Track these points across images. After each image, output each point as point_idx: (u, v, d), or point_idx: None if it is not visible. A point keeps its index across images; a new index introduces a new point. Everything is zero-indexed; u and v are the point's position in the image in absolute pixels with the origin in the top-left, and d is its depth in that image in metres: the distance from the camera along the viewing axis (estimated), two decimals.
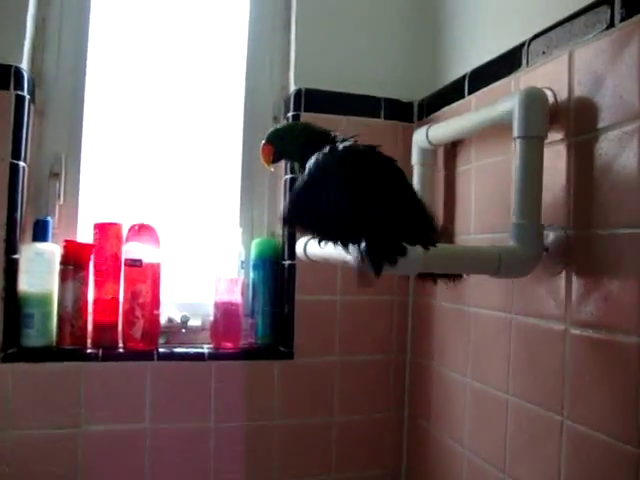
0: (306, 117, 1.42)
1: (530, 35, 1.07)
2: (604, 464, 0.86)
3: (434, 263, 0.92)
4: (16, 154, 1.28)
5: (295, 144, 1.01)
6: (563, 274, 0.95)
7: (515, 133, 0.97)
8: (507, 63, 1.14)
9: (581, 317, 0.91)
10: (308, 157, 0.95)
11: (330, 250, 0.98)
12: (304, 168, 0.96)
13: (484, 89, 1.21)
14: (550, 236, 0.97)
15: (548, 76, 1.02)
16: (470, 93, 1.26)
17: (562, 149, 0.98)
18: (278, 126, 1.03)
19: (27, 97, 1.30)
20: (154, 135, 1.51)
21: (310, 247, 1.11)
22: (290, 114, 1.45)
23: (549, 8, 1.05)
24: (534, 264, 0.95)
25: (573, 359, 0.93)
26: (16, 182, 1.28)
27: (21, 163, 1.29)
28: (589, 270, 0.91)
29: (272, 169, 1.08)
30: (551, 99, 0.99)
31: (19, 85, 1.28)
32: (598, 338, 0.87)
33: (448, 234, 1.31)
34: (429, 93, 1.45)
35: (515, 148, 0.98)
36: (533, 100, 0.97)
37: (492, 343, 1.15)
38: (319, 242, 0.99)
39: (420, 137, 1.30)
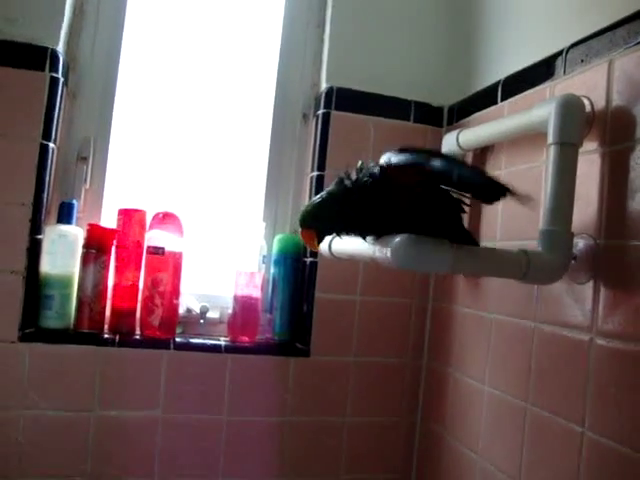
0: (336, 115, 1.43)
1: (568, 43, 1.06)
2: (626, 478, 0.84)
3: (462, 263, 0.91)
4: (47, 135, 1.29)
5: (331, 221, 0.95)
6: (591, 283, 0.94)
7: (550, 139, 0.96)
8: (543, 70, 1.13)
9: (608, 328, 0.90)
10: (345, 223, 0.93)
11: (357, 246, 0.98)
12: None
13: (518, 96, 1.20)
14: (579, 244, 0.96)
15: (585, 84, 1.01)
16: (503, 99, 1.25)
17: (596, 158, 0.97)
18: (308, 208, 0.95)
19: (61, 79, 1.31)
20: (183, 125, 1.51)
21: (336, 244, 1.11)
22: (320, 112, 1.45)
23: (588, 17, 1.04)
24: (562, 271, 0.94)
25: (598, 370, 0.91)
26: (45, 163, 1.29)
27: (51, 144, 1.30)
28: (618, 280, 0.89)
29: (319, 249, 1.04)
30: (588, 107, 0.98)
31: (54, 67, 1.29)
32: (625, 350, 0.86)
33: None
34: (460, 98, 1.44)
35: (549, 154, 0.97)
36: (570, 107, 0.96)
37: (513, 350, 1.14)
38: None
39: (450, 141, 1.30)
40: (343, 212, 0.92)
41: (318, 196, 0.95)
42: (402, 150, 0.92)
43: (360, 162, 0.96)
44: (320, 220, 0.94)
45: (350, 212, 0.91)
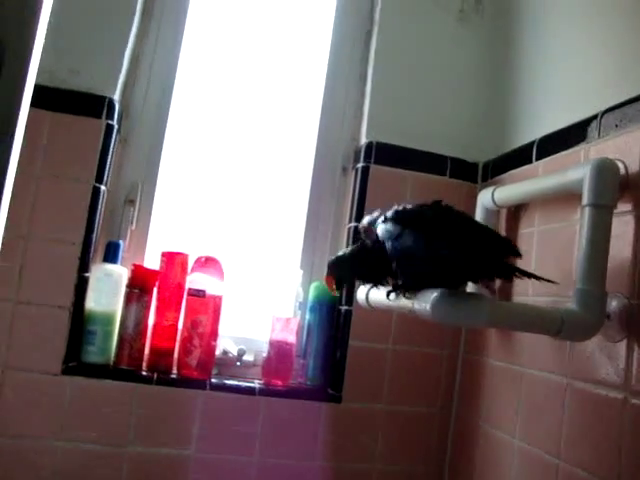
0: (375, 169, 1.48)
1: (603, 108, 1.10)
2: None
3: (498, 318, 0.94)
4: (99, 178, 1.36)
5: (347, 269, 1.15)
6: (624, 342, 0.96)
7: (585, 201, 1.00)
8: (578, 133, 1.17)
9: None
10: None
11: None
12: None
13: (553, 156, 1.24)
14: (613, 304, 0.98)
15: (619, 148, 1.04)
16: (538, 159, 1.29)
17: (630, 219, 0.99)
18: (332, 258, 1.17)
19: (115, 126, 1.39)
20: (228, 172, 1.58)
21: (373, 294, 1.15)
22: (360, 165, 1.50)
23: (623, 83, 1.08)
24: (596, 329, 0.96)
25: (632, 429, 0.92)
26: (95, 205, 1.36)
27: (102, 187, 1.37)
28: None
29: (338, 294, 1.29)
30: (622, 170, 1.02)
31: (110, 115, 1.37)
32: None
33: (506, 294, 1.33)
34: (495, 155, 1.49)
35: (583, 215, 1.00)
36: (605, 170, 0.99)
37: (545, 406, 1.15)
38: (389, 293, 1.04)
39: (486, 197, 1.34)
40: (356, 268, 1.14)
41: (342, 251, 1.20)
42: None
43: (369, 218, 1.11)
44: (339, 269, 1.15)
45: (363, 269, 1.12)
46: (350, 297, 1.43)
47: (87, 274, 1.36)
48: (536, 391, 1.19)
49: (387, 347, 1.46)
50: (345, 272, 1.15)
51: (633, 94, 1.03)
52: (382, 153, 1.49)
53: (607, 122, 1.09)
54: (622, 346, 0.96)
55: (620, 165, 1.02)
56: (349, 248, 1.20)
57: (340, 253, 1.17)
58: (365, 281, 1.18)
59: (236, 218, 1.57)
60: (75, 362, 1.34)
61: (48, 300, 1.31)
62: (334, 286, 1.16)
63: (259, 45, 1.62)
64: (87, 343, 1.35)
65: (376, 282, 1.14)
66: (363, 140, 1.54)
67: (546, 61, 1.38)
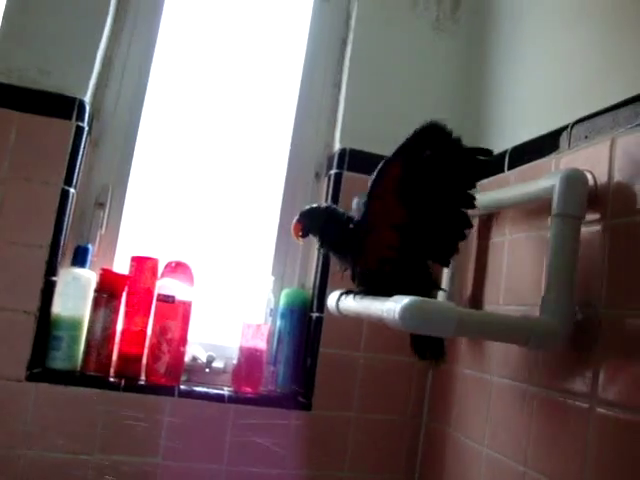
0: (348, 176, 1.48)
1: (573, 119, 1.11)
2: None
3: (466, 327, 0.94)
4: (68, 181, 1.34)
5: (317, 222, 1.15)
6: (593, 352, 0.96)
7: (554, 211, 1.00)
8: (549, 143, 1.17)
9: (608, 396, 0.92)
10: (327, 234, 1.14)
11: (365, 305, 1.01)
12: (323, 242, 1.15)
13: (524, 166, 1.25)
14: (582, 313, 0.99)
15: (589, 160, 1.05)
16: (510, 169, 1.30)
17: (598, 230, 1.00)
18: (307, 207, 1.17)
19: (86, 128, 1.37)
20: (199, 177, 1.57)
21: (343, 301, 1.14)
22: (332, 172, 1.50)
23: (593, 95, 1.09)
24: (564, 339, 0.97)
25: (597, 438, 0.93)
26: (64, 208, 1.34)
27: (71, 190, 1.35)
28: (619, 350, 0.92)
29: (301, 242, 1.21)
30: (591, 181, 1.02)
31: (80, 117, 1.35)
32: (625, 419, 0.88)
33: (476, 302, 1.33)
34: None
35: (552, 225, 1.01)
36: (574, 180, 1.00)
37: (513, 414, 1.15)
38: (354, 295, 1.04)
39: None
40: (334, 218, 1.13)
41: (323, 204, 1.21)
42: None
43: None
44: (309, 219, 1.14)
45: (332, 229, 1.12)
46: (321, 304, 1.42)
47: (54, 278, 1.33)
48: (505, 399, 1.19)
49: (358, 355, 1.46)
50: (314, 224, 1.14)
51: (602, 106, 1.04)
52: (355, 160, 1.49)
53: (577, 133, 1.10)
54: (589, 355, 0.97)
55: (589, 176, 1.03)
56: (330, 205, 1.22)
57: (315, 205, 1.18)
58: (326, 245, 1.16)
59: (207, 223, 1.56)
60: (40, 368, 1.31)
61: (13, 304, 1.28)
62: (300, 233, 1.16)
63: (234, 50, 1.61)
64: (53, 349, 1.32)
65: (336, 252, 1.14)
66: (336, 147, 1.54)
67: (519, 71, 1.39)
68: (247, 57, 1.62)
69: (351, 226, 1.09)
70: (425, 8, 1.61)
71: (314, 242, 1.53)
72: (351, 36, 1.58)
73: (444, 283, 1.35)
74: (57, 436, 1.29)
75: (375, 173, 1.07)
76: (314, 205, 1.17)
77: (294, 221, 1.16)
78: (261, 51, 1.63)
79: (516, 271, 1.23)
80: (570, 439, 0.98)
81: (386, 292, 0.98)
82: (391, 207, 1.04)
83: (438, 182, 1.05)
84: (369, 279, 1.09)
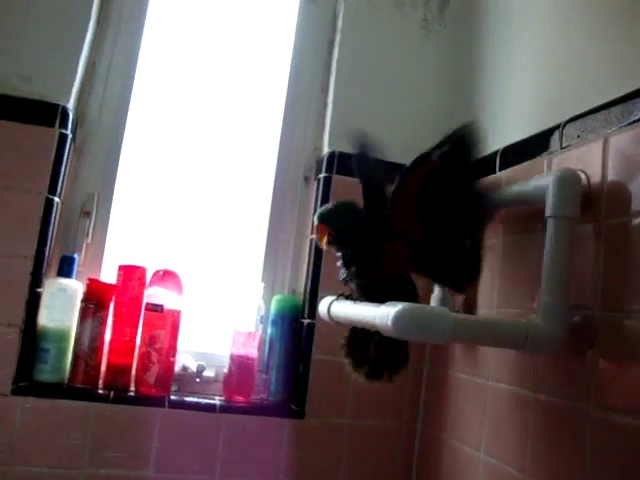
0: (337, 179, 1.46)
1: (565, 118, 1.10)
2: None
3: (461, 333, 0.92)
4: (52, 190, 1.31)
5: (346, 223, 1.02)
6: (588, 355, 0.95)
7: (548, 212, 0.98)
8: (541, 143, 1.16)
9: (605, 400, 0.90)
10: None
11: (357, 311, 0.99)
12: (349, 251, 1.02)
13: (516, 167, 1.23)
14: (577, 316, 0.97)
15: (582, 159, 1.04)
16: (502, 169, 1.28)
17: (593, 231, 0.99)
18: (329, 206, 1.04)
19: (69, 136, 1.34)
20: (186, 184, 1.54)
21: (335, 307, 1.12)
22: (322, 175, 1.48)
23: (585, 94, 1.08)
24: (560, 343, 0.95)
25: (594, 442, 0.91)
26: (49, 217, 1.31)
27: (56, 199, 1.32)
28: (616, 353, 0.90)
29: (325, 247, 1.04)
30: (584, 181, 1.01)
31: (64, 124, 1.33)
32: (621, 422, 0.86)
33: (469, 306, 1.32)
34: None
35: (547, 227, 0.99)
36: (567, 181, 0.98)
37: (510, 418, 1.14)
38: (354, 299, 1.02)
39: None
40: (358, 224, 1.00)
41: (341, 201, 1.05)
42: None
43: None
44: (338, 219, 1.01)
45: (364, 226, 1.00)
46: (312, 310, 1.40)
47: (39, 289, 1.31)
48: (501, 404, 1.17)
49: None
50: (342, 224, 1.00)
51: (594, 105, 1.02)
52: (344, 163, 1.46)
53: (569, 132, 1.09)
54: (586, 359, 0.95)
55: (582, 175, 1.01)
56: (349, 201, 1.05)
57: (340, 202, 1.03)
58: (356, 247, 1.01)
59: (195, 230, 1.54)
60: (27, 381, 1.28)
61: None
62: (325, 237, 1.00)
63: (220, 53, 1.59)
64: (40, 361, 1.29)
65: (366, 254, 1.01)
66: (325, 150, 1.52)
67: (509, 71, 1.38)
68: (233, 60, 1.60)
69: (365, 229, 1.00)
70: (412, 8, 1.59)
71: (305, 248, 1.53)
72: (338, 37, 1.57)
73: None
74: (45, 451, 1.26)
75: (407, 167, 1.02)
76: (338, 202, 1.04)
77: (315, 225, 1.02)
78: (247, 54, 1.61)
79: (510, 273, 1.21)
80: (567, 443, 0.97)
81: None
82: (410, 218, 0.99)
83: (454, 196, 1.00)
84: (372, 290, 1.03)
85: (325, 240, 1.00)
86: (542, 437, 1.04)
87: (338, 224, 1.01)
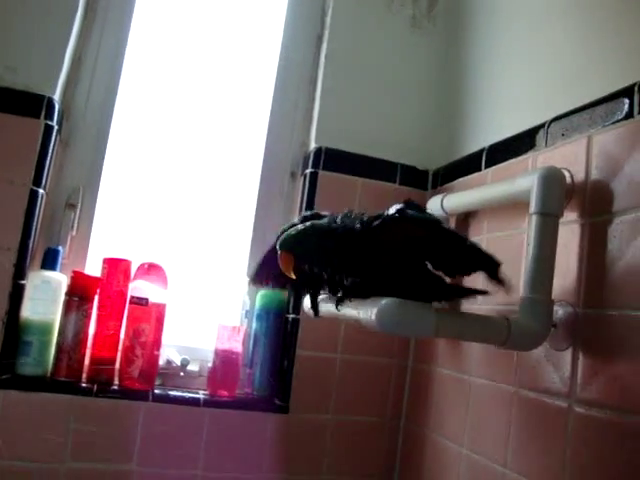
0: (324, 175, 1.46)
1: (550, 117, 1.11)
2: None
3: (445, 328, 0.92)
4: (37, 181, 1.30)
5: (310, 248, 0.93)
6: (570, 351, 0.96)
7: (532, 209, 0.99)
8: (526, 141, 1.17)
9: (586, 395, 0.91)
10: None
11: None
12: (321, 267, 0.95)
13: (501, 164, 1.24)
14: (559, 312, 0.98)
15: (566, 157, 1.05)
16: (487, 167, 1.29)
17: (576, 228, 1.00)
18: (291, 232, 0.93)
19: (55, 127, 1.33)
20: (172, 178, 1.54)
21: (320, 303, 1.12)
22: (308, 171, 1.48)
23: (570, 92, 1.09)
24: (542, 339, 0.96)
25: (575, 437, 0.92)
26: (33, 209, 1.30)
27: (40, 190, 1.31)
28: (597, 349, 0.91)
29: (294, 276, 0.94)
30: (568, 179, 1.02)
31: (49, 115, 1.31)
32: (603, 418, 0.87)
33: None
34: (445, 163, 1.48)
35: (530, 224, 1.00)
36: (551, 179, 0.99)
37: (492, 414, 1.14)
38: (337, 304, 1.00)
39: (435, 205, 1.33)
40: (324, 245, 0.90)
41: (302, 225, 0.94)
42: (408, 205, 0.91)
43: (347, 209, 0.97)
44: (300, 245, 0.91)
45: (330, 247, 0.90)
46: (297, 305, 1.40)
47: (23, 281, 1.30)
48: (484, 400, 1.18)
49: (335, 356, 1.44)
50: (306, 249, 0.91)
51: (579, 103, 1.03)
52: (331, 159, 1.47)
53: (554, 131, 1.10)
54: (567, 355, 0.96)
55: (566, 174, 1.02)
56: (310, 223, 0.94)
57: (300, 226, 0.92)
58: (326, 267, 0.94)
59: (181, 224, 1.53)
60: (9, 374, 1.27)
61: None
62: (291, 266, 0.91)
63: (208, 47, 1.58)
64: (22, 354, 1.28)
65: (338, 271, 0.94)
66: (312, 145, 1.52)
67: (496, 69, 1.38)
68: (221, 54, 1.59)
69: (353, 225, 0.92)
70: (401, 6, 1.60)
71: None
72: (327, 32, 1.57)
73: None
74: (27, 445, 1.25)
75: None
76: (299, 227, 0.93)
77: (279, 254, 0.92)
78: (235, 48, 1.60)
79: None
80: (549, 439, 0.98)
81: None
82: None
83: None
84: (360, 288, 0.96)
85: (291, 268, 0.92)
86: (524, 432, 1.05)
87: (300, 250, 0.92)
